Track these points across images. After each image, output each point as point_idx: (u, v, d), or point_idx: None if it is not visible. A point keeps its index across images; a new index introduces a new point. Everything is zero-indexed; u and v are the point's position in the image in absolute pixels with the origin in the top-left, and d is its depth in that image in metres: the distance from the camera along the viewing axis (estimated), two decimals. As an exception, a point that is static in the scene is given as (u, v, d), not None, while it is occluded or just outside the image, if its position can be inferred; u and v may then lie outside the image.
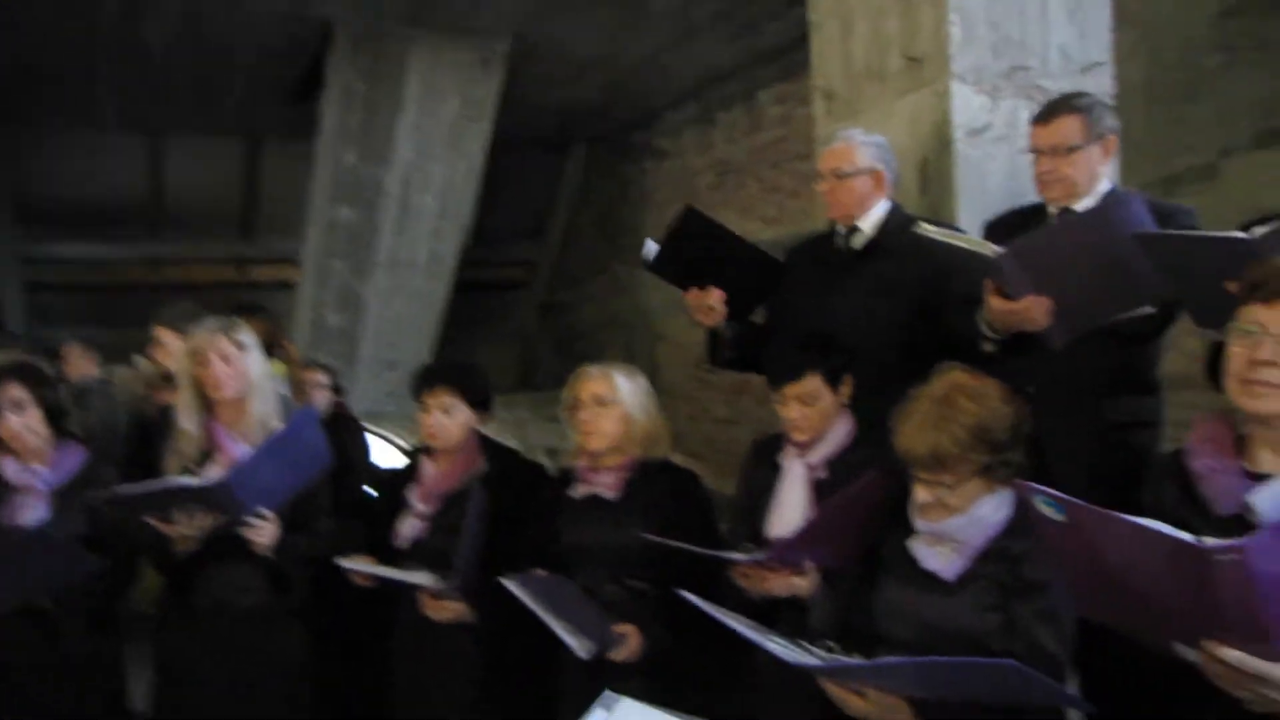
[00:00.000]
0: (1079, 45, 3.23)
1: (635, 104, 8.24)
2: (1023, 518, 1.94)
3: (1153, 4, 4.89)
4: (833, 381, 2.45)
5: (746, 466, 2.64)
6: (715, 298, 2.81)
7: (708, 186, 8.03)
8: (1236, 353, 1.64)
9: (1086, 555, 1.53)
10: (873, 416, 2.48)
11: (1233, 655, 1.41)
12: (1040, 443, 2.15)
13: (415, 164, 7.32)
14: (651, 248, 2.88)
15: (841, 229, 2.88)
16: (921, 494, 1.96)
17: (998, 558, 1.92)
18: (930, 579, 1.97)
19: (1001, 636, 1.87)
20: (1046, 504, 1.52)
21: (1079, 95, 2.58)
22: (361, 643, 3.01)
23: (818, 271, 2.89)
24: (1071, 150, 2.48)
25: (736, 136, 7.79)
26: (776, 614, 2.32)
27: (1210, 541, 1.35)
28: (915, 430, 1.92)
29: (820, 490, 2.43)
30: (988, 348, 2.45)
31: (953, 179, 3.04)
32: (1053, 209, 2.56)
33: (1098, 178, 2.53)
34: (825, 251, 2.91)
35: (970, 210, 3.03)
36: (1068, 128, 2.49)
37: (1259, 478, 1.64)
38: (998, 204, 3.05)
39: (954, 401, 1.91)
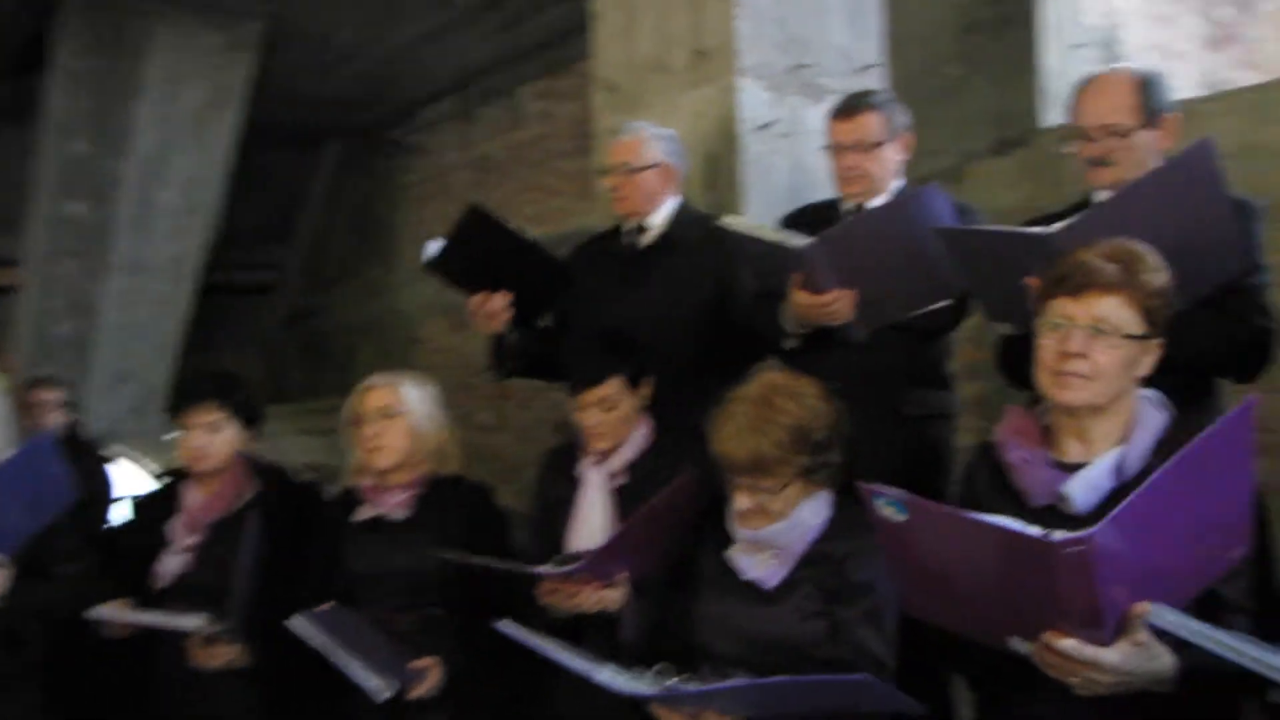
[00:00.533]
0: (856, 47, 3.30)
1: (393, 98, 7.88)
2: (844, 519, 1.91)
3: (903, 15, 5.14)
4: (633, 383, 2.35)
5: (541, 478, 2.48)
6: (500, 302, 2.64)
7: (467, 185, 7.78)
8: (1046, 345, 1.64)
9: (924, 555, 1.50)
10: (671, 418, 2.42)
11: (1068, 645, 1.40)
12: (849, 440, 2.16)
13: (156, 155, 6.65)
14: (432, 247, 2.68)
15: (629, 225, 2.79)
16: (742, 500, 1.88)
17: (819, 561, 1.87)
18: (751, 589, 1.90)
19: (826, 643, 1.82)
20: (888, 504, 1.46)
21: (875, 92, 2.60)
22: (110, 703, 2.62)
23: (606, 271, 2.78)
24: (873, 146, 2.48)
25: (496, 133, 7.60)
26: (582, 630, 2.20)
27: (1057, 535, 1.33)
28: (734, 435, 1.84)
29: (622, 498, 2.32)
30: (790, 343, 2.42)
31: (740, 175, 3.02)
32: (848, 204, 2.57)
33: (893, 174, 2.55)
34: (613, 250, 2.81)
35: (757, 206, 3.02)
36: (869, 124, 2.49)
37: (1068, 468, 1.66)
38: (784, 201, 3.05)
39: (773, 403, 1.85)
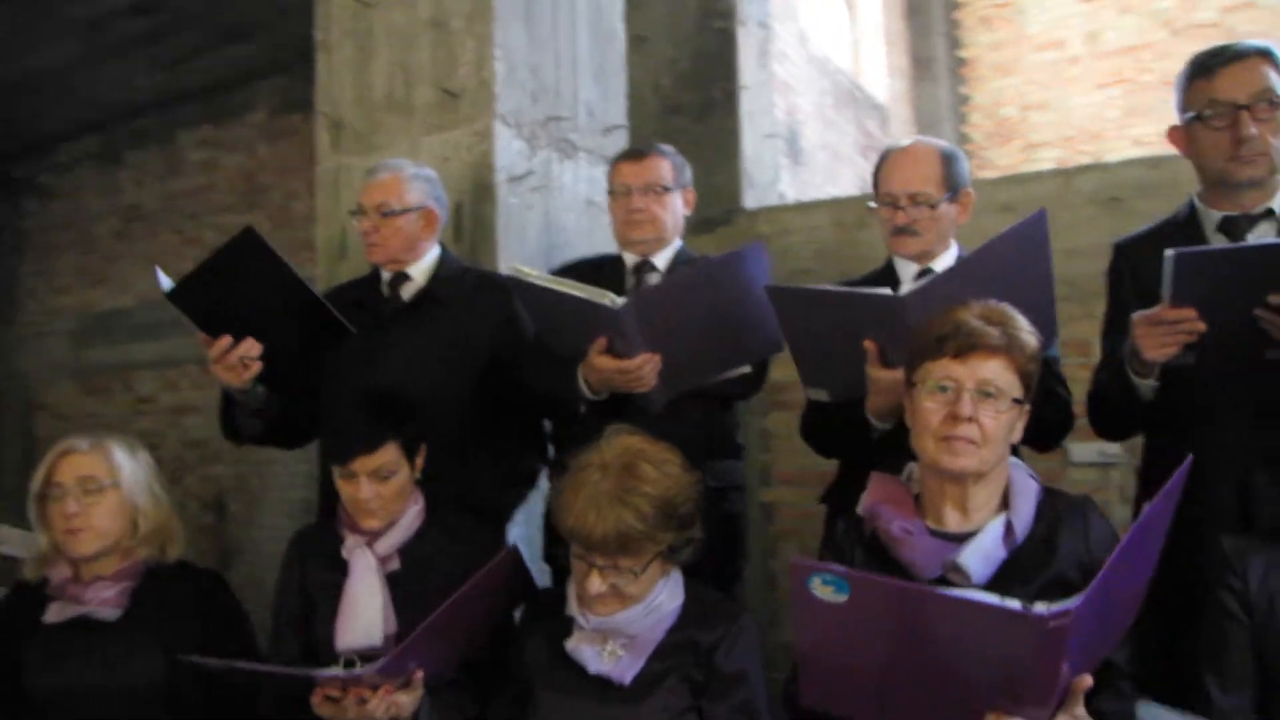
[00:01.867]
0: (603, 106, 3.18)
1: (21, 130, 6.81)
2: (698, 602, 1.70)
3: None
4: (409, 452, 2.01)
5: (290, 564, 2.05)
6: (251, 349, 2.19)
7: (111, 234, 6.85)
8: (930, 408, 1.56)
9: (852, 638, 1.34)
10: (440, 493, 2.10)
11: None
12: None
13: None
14: (164, 281, 2.17)
15: (386, 275, 2.45)
16: (595, 583, 1.61)
17: (680, 650, 1.64)
18: (601, 685, 1.63)
19: None
20: (827, 582, 1.28)
21: (660, 144, 2.46)
22: None
23: (361, 325, 2.39)
24: (664, 191, 2.35)
25: (148, 180, 6.78)
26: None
27: (1039, 608, 1.22)
28: (592, 507, 1.59)
29: (395, 585, 1.96)
30: (581, 409, 2.19)
31: (494, 227, 2.77)
32: (630, 256, 2.40)
33: (678, 228, 2.42)
34: (369, 302, 2.44)
35: (510, 261, 2.77)
36: (660, 168, 2.36)
37: (950, 538, 1.57)
38: (536, 259, 2.84)
39: (636, 470, 1.62)
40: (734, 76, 4.87)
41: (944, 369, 1.55)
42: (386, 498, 1.96)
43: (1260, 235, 1.91)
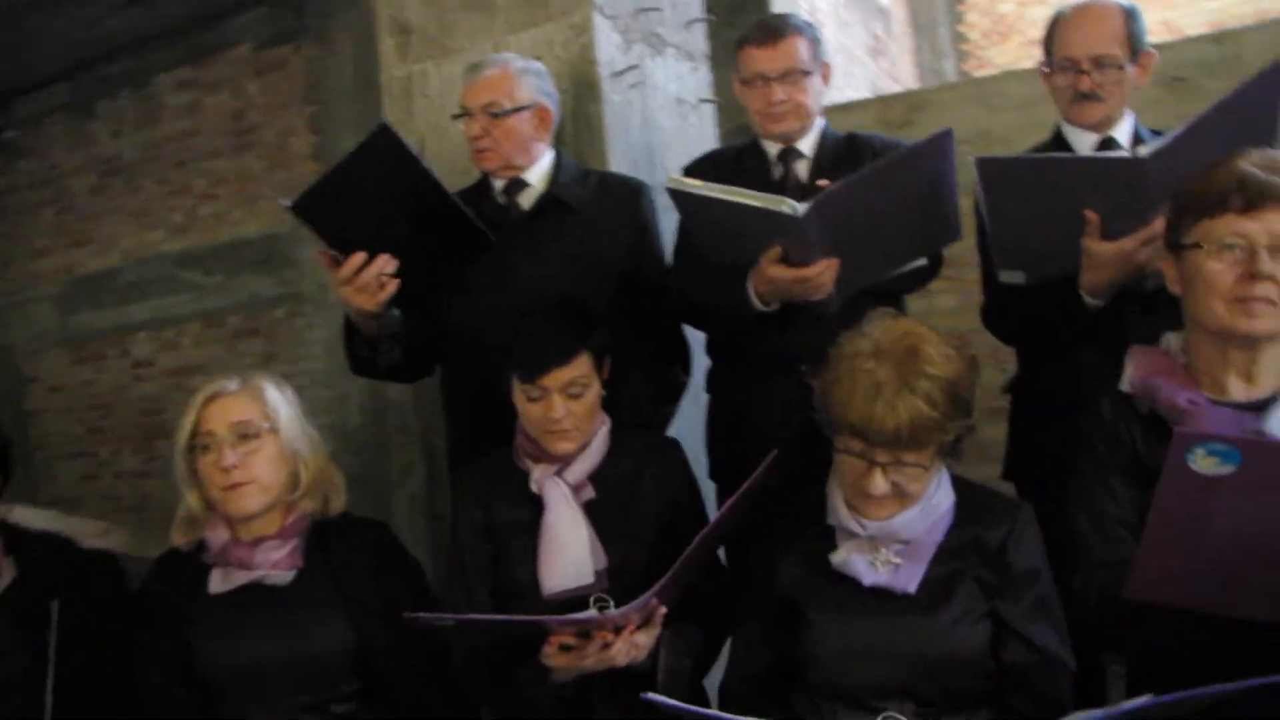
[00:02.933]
0: (682, -3, 2.95)
1: (-22, 83, 6.37)
2: (971, 499, 1.54)
3: None
4: (598, 364, 1.82)
5: (465, 507, 1.84)
6: (387, 266, 1.97)
7: (89, 190, 6.45)
8: (1218, 269, 1.41)
9: (1224, 513, 1.20)
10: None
11: None
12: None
13: None
14: (282, 201, 1.93)
15: (499, 183, 2.23)
16: (879, 484, 1.44)
17: (967, 551, 1.49)
18: (884, 597, 1.47)
19: (993, 647, 1.46)
20: (1213, 453, 1.13)
21: (791, 15, 2.25)
22: None
23: (461, 246, 2.17)
24: (803, 75, 2.13)
25: (125, 129, 6.38)
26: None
27: None
28: (877, 398, 1.41)
29: (594, 516, 1.77)
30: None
31: (602, 125, 2.55)
32: (770, 146, 2.20)
33: (819, 109, 2.22)
34: (486, 213, 2.21)
35: (619, 164, 2.57)
36: (798, 50, 2.13)
37: (1239, 407, 1.43)
38: (639, 158, 2.64)
39: (920, 355, 1.44)
40: (760, -24, 4.64)
41: (1231, 225, 1.40)
42: (580, 416, 1.77)
43: None
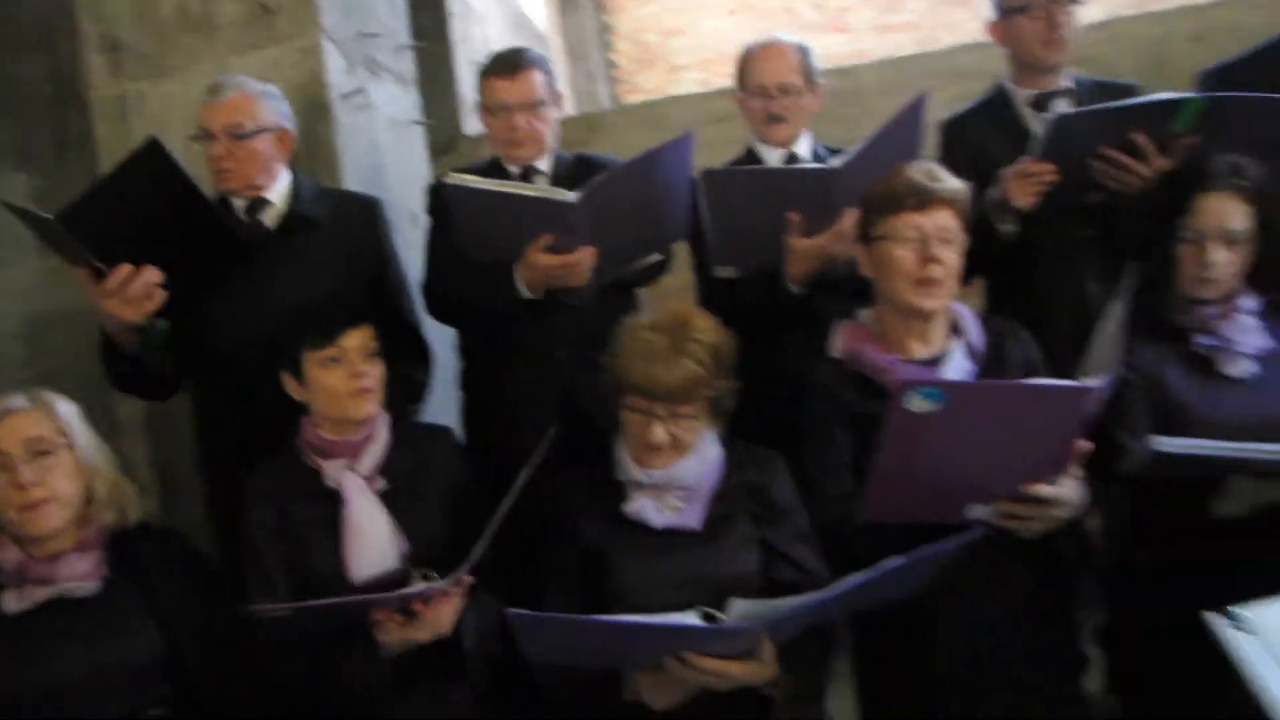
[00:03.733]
0: (392, 23, 3.12)
1: None
2: (735, 451, 1.87)
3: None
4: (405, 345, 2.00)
5: (257, 508, 1.92)
6: (152, 278, 2.00)
7: None
8: (902, 255, 1.83)
9: (929, 445, 1.57)
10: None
11: (1044, 489, 1.63)
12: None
13: None
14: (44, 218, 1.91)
15: (240, 203, 2.31)
16: (658, 434, 1.73)
17: (738, 492, 1.82)
18: (674, 537, 1.77)
19: (764, 569, 1.79)
20: (923, 395, 1.51)
21: (526, 49, 2.50)
22: None
23: (220, 258, 2.24)
24: (542, 105, 2.40)
25: None
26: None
27: (1083, 383, 1.55)
28: (656, 360, 1.71)
29: (388, 504, 1.92)
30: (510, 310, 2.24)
31: (335, 147, 2.68)
32: (514, 168, 2.44)
33: (557, 136, 2.49)
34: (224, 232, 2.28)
35: (349, 183, 2.72)
36: (536, 82, 2.40)
37: (923, 363, 1.87)
38: (366, 178, 2.79)
39: (690, 324, 1.75)
40: (442, 2, 4.84)
41: (908, 221, 1.82)
42: (377, 378, 1.92)
43: (1061, 108, 2.36)
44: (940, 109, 2.50)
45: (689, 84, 7.95)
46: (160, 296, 2.01)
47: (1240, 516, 1.81)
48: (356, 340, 1.88)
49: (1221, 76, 2.26)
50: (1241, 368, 1.89)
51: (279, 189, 2.33)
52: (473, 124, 4.95)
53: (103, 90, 2.74)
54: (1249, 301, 1.93)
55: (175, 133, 2.62)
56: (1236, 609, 1.09)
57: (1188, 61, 4.19)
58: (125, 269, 1.97)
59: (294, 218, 2.31)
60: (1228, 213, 1.89)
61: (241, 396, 2.21)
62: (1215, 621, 1.09)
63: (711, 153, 2.41)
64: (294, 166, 2.41)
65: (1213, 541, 1.85)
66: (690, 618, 1.61)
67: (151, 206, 1.96)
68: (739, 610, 1.62)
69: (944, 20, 7.95)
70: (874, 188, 1.89)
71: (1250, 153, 1.93)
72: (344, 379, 1.88)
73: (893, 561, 1.52)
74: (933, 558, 1.56)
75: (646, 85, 8.13)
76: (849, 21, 7.91)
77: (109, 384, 2.19)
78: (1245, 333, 1.90)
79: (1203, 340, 1.91)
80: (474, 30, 5.47)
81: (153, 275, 1.99)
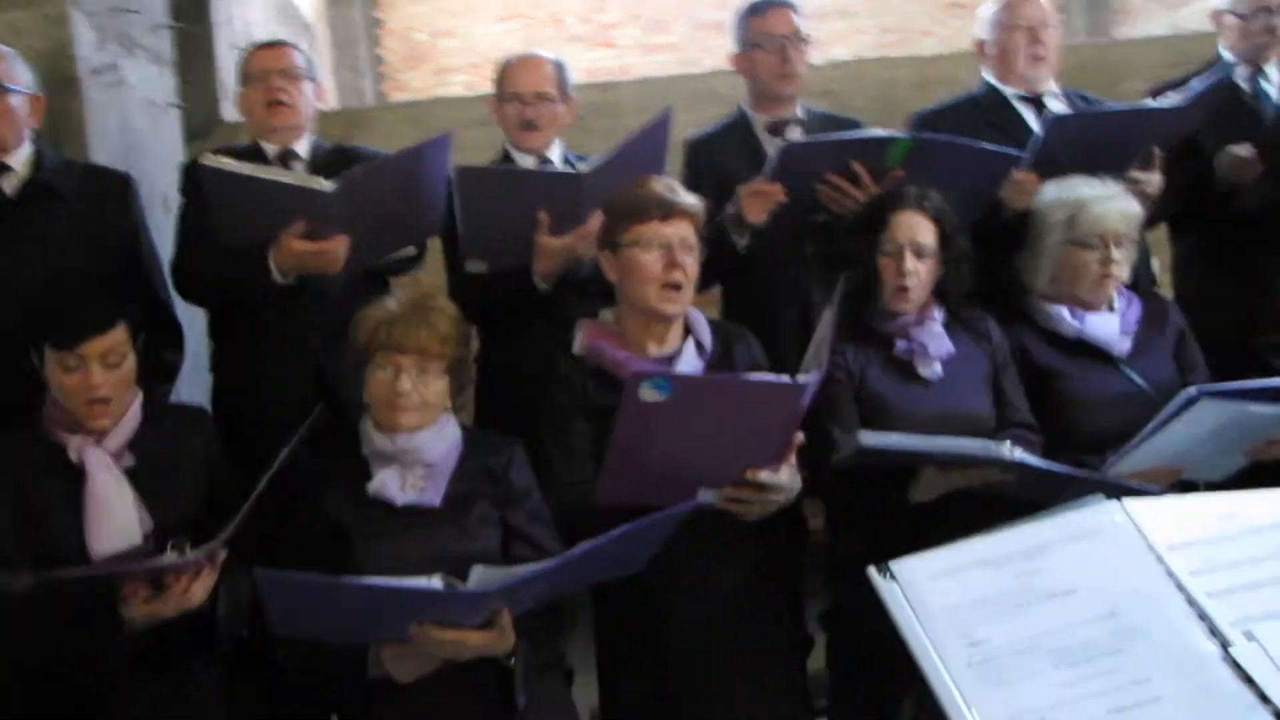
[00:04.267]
0: (148, 0, 3.04)
1: None
2: (474, 436, 1.98)
3: None
4: (134, 335, 1.95)
5: None
6: None
7: None
8: (648, 261, 1.99)
9: (657, 432, 1.73)
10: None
11: (764, 475, 1.83)
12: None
13: None
14: None
15: None
16: (405, 383, 1.84)
17: (478, 475, 1.92)
18: (417, 515, 1.85)
19: (504, 548, 1.89)
20: (653, 386, 1.67)
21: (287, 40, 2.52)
22: None
23: None
24: (299, 78, 2.44)
25: None
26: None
27: (801, 378, 1.76)
28: (401, 320, 1.86)
29: (135, 481, 1.91)
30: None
31: (84, 123, 2.59)
32: (270, 148, 2.45)
33: (311, 119, 2.53)
34: None
35: (99, 160, 2.63)
36: (295, 55, 2.46)
37: (657, 360, 2.03)
38: (117, 157, 2.72)
39: (432, 300, 1.93)
40: (202, -16, 4.68)
41: (654, 230, 1.99)
42: (117, 385, 1.89)
43: (793, 134, 2.63)
44: (693, 129, 2.72)
45: (456, 86, 8.00)
46: None
47: (930, 501, 2.06)
48: (99, 348, 1.85)
49: (926, 121, 2.60)
50: (932, 369, 2.18)
51: (20, 156, 2.25)
52: (230, 110, 4.82)
53: None
54: (937, 312, 2.23)
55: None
56: (890, 562, 1.30)
57: (911, 104, 4.73)
58: None
59: (36, 186, 2.24)
60: (917, 227, 2.18)
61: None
62: (872, 574, 1.30)
63: (475, 155, 2.49)
64: (36, 141, 2.32)
65: (909, 525, 2.11)
66: (434, 584, 1.68)
67: None
68: (477, 576, 1.72)
69: (705, 44, 8.37)
70: (619, 197, 2.05)
71: (942, 186, 2.24)
72: (80, 385, 1.85)
73: (620, 528, 1.65)
74: (657, 525, 1.70)
75: (413, 84, 8.11)
76: (615, 37, 8.19)
77: None
78: (934, 338, 2.19)
79: (902, 345, 2.19)
80: (236, 13, 5.32)
81: None
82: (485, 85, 8.02)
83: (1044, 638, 1.17)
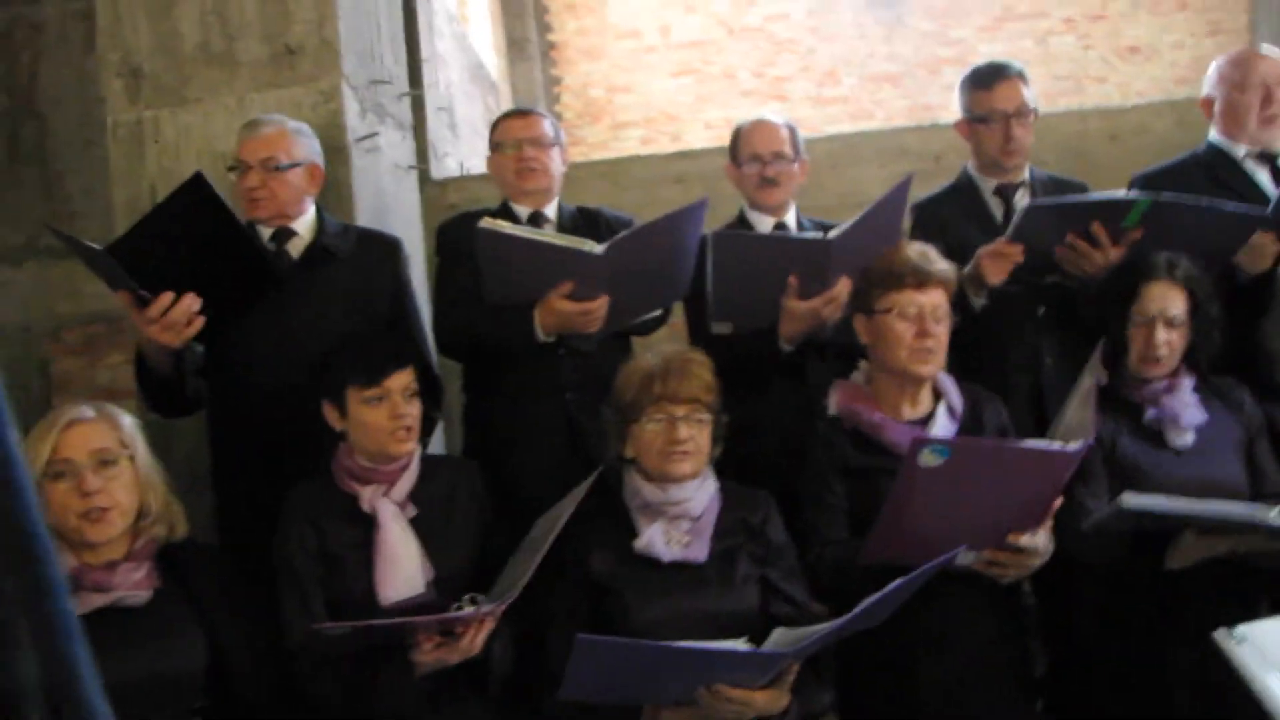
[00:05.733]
0: (396, 71, 3.28)
1: None
2: (730, 490, 2.05)
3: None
4: (422, 382, 2.11)
5: (297, 527, 2.01)
6: (191, 305, 2.11)
7: None
8: (902, 328, 2.06)
9: (929, 494, 1.78)
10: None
11: (1025, 539, 1.85)
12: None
13: None
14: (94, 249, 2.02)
15: (266, 231, 2.43)
16: (683, 430, 1.93)
17: (737, 530, 1.98)
18: (683, 572, 1.92)
19: (763, 605, 1.95)
20: (933, 451, 1.72)
21: (535, 109, 2.69)
22: None
23: (254, 288, 2.31)
24: (550, 145, 2.59)
25: None
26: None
27: (1070, 447, 1.77)
28: (671, 374, 1.96)
29: (417, 531, 2.04)
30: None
31: (351, 188, 2.81)
32: (521, 210, 2.60)
33: (559, 182, 2.67)
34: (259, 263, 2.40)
35: (362, 223, 2.83)
36: (545, 124, 2.61)
37: (910, 422, 2.09)
38: (374, 218, 2.93)
39: (688, 355, 2.04)
40: (417, 48, 5.00)
41: (909, 298, 2.06)
42: (415, 419, 2.04)
43: (1020, 199, 2.65)
44: (883, 186, 2.75)
45: (632, 140, 8.26)
46: (199, 323, 2.12)
47: (1186, 568, 2.04)
48: (401, 381, 2.02)
49: (1151, 180, 2.59)
50: (1184, 439, 2.16)
51: (305, 221, 2.46)
52: (439, 168, 5.13)
53: (120, 116, 2.82)
54: (1188, 380, 2.20)
55: (188, 162, 2.75)
56: (1238, 627, 1.32)
57: (1104, 157, 4.66)
58: (167, 296, 2.08)
59: (318, 249, 2.43)
60: (1169, 298, 2.16)
61: (260, 419, 2.32)
62: (1221, 637, 1.32)
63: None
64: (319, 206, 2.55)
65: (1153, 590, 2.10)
66: (738, 646, 1.75)
67: (193, 237, 2.10)
68: (778, 638, 1.77)
69: (874, 96, 8.44)
70: (877, 264, 2.12)
71: (1178, 249, 2.23)
72: (386, 418, 2.00)
73: (895, 583, 1.70)
74: (921, 578, 1.75)
75: (590, 139, 8.39)
76: (787, 91, 8.31)
77: (143, 403, 2.28)
78: (1186, 408, 2.17)
79: (1153, 413, 2.17)
80: (440, 76, 5.64)
81: (192, 303, 2.10)
82: (661, 140, 8.24)
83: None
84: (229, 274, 2.17)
